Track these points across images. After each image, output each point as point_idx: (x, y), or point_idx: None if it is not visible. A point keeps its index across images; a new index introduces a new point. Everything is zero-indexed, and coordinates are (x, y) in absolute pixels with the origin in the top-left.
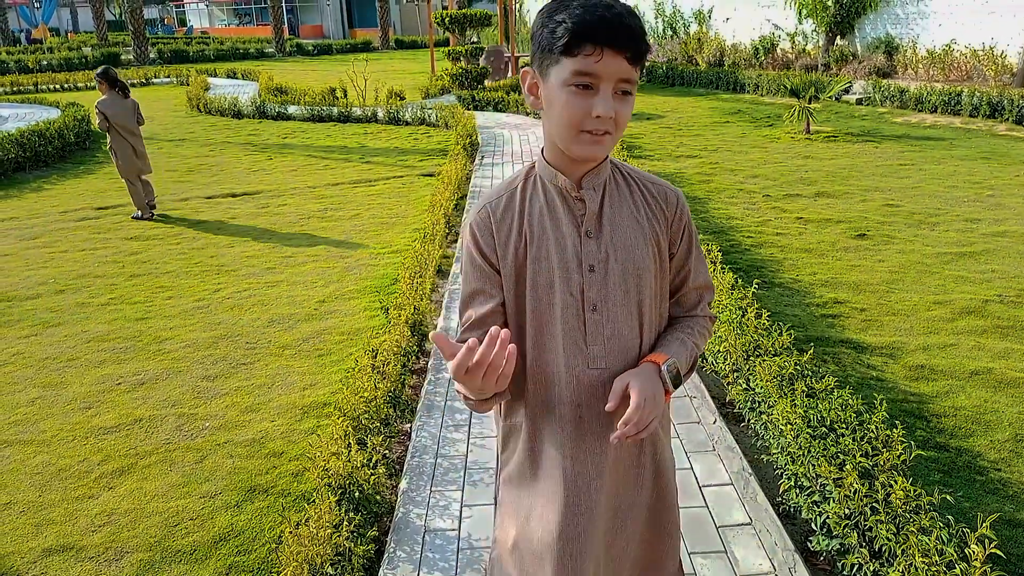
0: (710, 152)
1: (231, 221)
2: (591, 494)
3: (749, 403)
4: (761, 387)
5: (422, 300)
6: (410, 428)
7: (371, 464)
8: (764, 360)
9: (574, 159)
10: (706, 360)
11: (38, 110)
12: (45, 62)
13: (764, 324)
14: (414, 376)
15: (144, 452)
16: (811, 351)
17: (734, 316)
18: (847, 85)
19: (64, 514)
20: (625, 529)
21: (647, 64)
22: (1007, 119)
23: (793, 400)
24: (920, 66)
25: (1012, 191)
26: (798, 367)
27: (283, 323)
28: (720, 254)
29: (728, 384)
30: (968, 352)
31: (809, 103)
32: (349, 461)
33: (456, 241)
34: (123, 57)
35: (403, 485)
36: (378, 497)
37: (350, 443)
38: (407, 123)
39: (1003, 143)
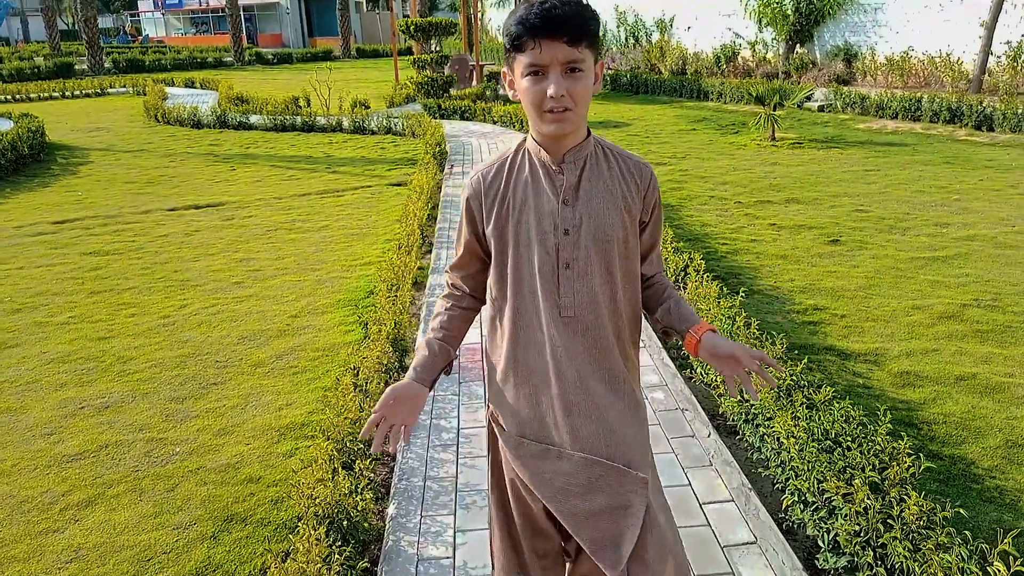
0: (679, 159)
1: (195, 234)
2: (568, 411)
3: (744, 415)
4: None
5: (402, 314)
6: (393, 451)
7: (358, 490)
8: None
9: (552, 137)
10: (694, 371)
11: None
12: None
13: (755, 333)
14: None
15: (111, 481)
16: (804, 360)
17: (725, 325)
18: (810, 92)
19: (27, 551)
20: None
21: (611, 72)
22: (967, 124)
23: (794, 412)
24: (879, 73)
25: (978, 195)
26: (794, 378)
27: (254, 340)
28: (703, 262)
29: (720, 396)
30: (951, 357)
31: (774, 110)
32: (336, 488)
33: (431, 252)
34: (77, 67)
35: (391, 510)
36: (366, 524)
37: (336, 467)
38: (373, 132)
39: (964, 148)
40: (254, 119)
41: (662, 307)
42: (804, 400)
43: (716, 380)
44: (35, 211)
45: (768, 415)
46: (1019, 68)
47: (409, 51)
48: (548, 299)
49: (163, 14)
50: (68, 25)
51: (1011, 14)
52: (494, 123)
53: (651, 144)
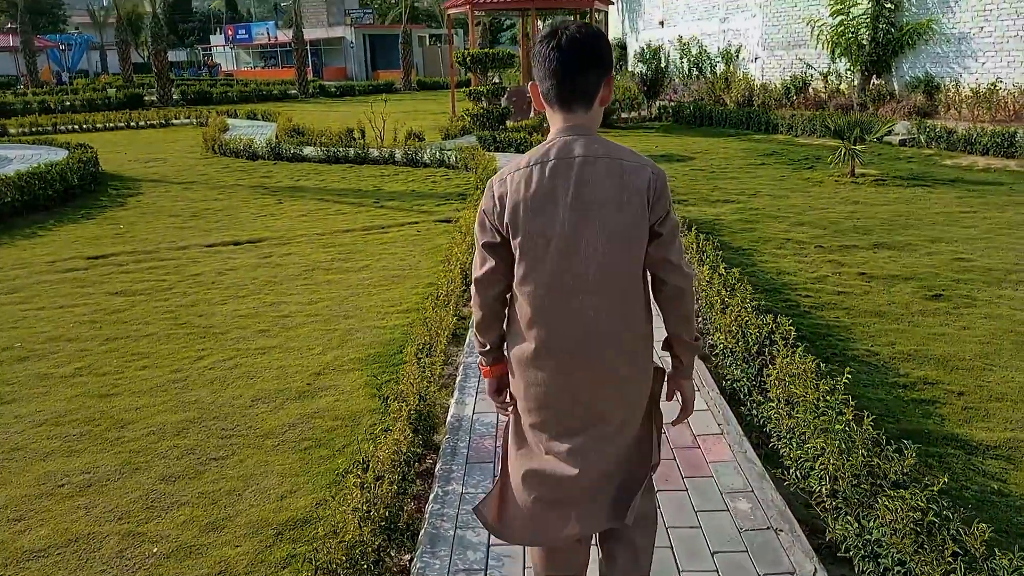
0: (749, 196)
1: (228, 272)
2: None
3: (862, 548)
4: (886, 534)
5: (429, 386)
6: (408, 563)
7: None
8: (888, 496)
9: None
10: (787, 471)
11: (45, 151)
12: (68, 103)
13: (871, 433)
14: (419, 481)
15: None
16: (944, 478)
17: (833, 424)
18: (892, 125)
19: None
20: None
21: (673, 104)
22: None
23: (946, 568)
24: (964, 106)
25: None
26: (935, 509)
27: (269, 402)
28: (792, 328)
29: (823, 510)
30: None
31: (854, 144)
32: None
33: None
34: (147, 98)
35: None
36: None
37: None
38: (425, 164)
39: None
40: (307, 151)
41: None
42: (955, 546)
43: (820, 492)
44: (72, 245)
45: (901, 558)
46: None
47: (468, 84)
48: None
49: (232, 48)
50: (144, 58)
51: None
52: None
53: (718, 180)
